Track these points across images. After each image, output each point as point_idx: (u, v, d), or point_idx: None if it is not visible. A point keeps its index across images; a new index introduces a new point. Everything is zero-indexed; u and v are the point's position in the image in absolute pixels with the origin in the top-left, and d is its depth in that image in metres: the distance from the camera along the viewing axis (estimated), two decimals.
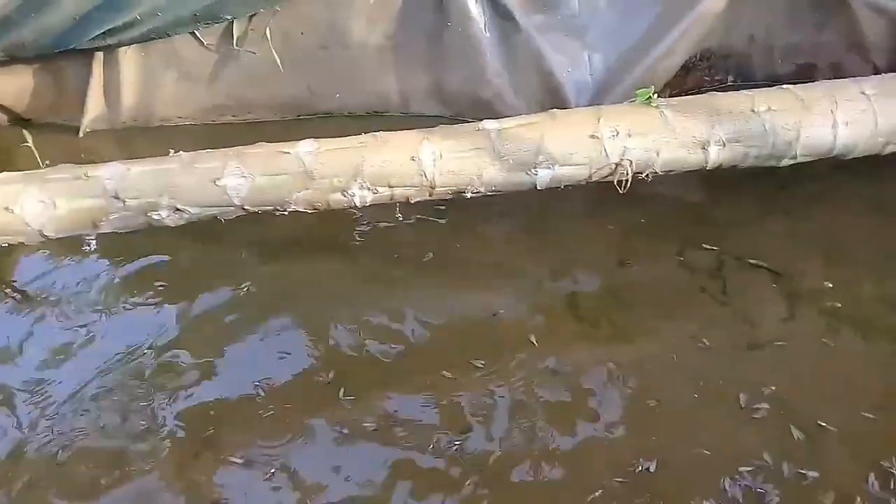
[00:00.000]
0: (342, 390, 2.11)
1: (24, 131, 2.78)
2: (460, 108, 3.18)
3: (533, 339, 2.26)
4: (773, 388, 2.10)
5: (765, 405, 2.06)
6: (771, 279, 2.37)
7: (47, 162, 2.62)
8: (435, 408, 2.08)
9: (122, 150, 3.13)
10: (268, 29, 3.04)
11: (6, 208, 2.09)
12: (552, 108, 3.03)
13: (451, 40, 3.05)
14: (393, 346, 2.27)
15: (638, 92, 2.51)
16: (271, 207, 2.30)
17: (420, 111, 3.23)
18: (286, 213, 2.32)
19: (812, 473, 1.93)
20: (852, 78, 2.56)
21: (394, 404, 2.08)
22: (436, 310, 2.40)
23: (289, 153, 2.28)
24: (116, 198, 2.15)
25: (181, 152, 2.26)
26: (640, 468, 1.94)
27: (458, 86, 3.13)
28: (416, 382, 2.14)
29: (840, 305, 2.30)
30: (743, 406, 2.07)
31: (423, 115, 3.21)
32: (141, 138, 3.18)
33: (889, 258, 2.44)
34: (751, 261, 2.41)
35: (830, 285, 2.35)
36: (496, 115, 3.04)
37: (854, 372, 2.15)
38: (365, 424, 2.04)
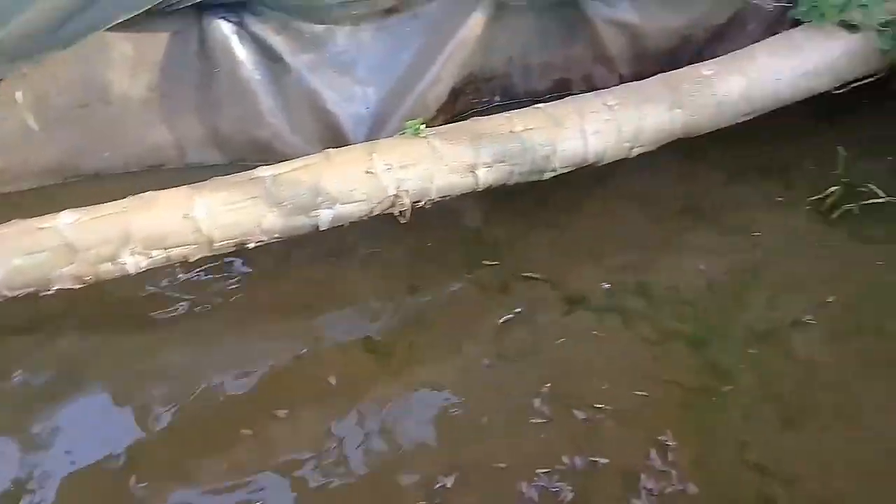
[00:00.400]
0: (134, 477, 2.00)
1: None
2: (239, 153, 3.14)
3: (332, 379, 2.27)
4: (549, 384, 2.26)
5: (550, 404, 2.21)
6: (548, 287, 2.55)
7: None
8: (233, 472, 2.02)
9: None
10: (18, 93, 2.83)
11: None
12: (331, 144, 3.09)
13: (220, 85, 2.99)
14: (189, 413, 2.19)
15: (406, 124, 2.59)
16: (33, 289, 2.14)
17: (199, 160, 3.15)
18: (51, 291, 2.17)
19: (602, 460, 2.09)
20: (595, 91, 2.79)
21: (190, 480, 2.00)
22: (235, 364, 2.35)
23: (47, 227, 2.14)
24: None
25: None
26: (440, 485, 2.01)
27: (234, 130, 3.09)
28: (213, 448, 2.08)
29: (606, 300, 2.51)
30: (533, 409, 2.20)
31: (203, 165, 3.13)
32: None
33: (645, 252, 2.70)
34: (525, 274, 2.57)
35: (602, 285, 2.56)
36: (276, 156, 3.06)
37: (622, 356, 2.36)
38: None
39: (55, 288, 2.17)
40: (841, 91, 3.00)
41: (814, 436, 2.13)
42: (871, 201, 2.79)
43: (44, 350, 2.34)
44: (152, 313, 2.48)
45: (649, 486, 2.04)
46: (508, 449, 2.10)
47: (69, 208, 2.22)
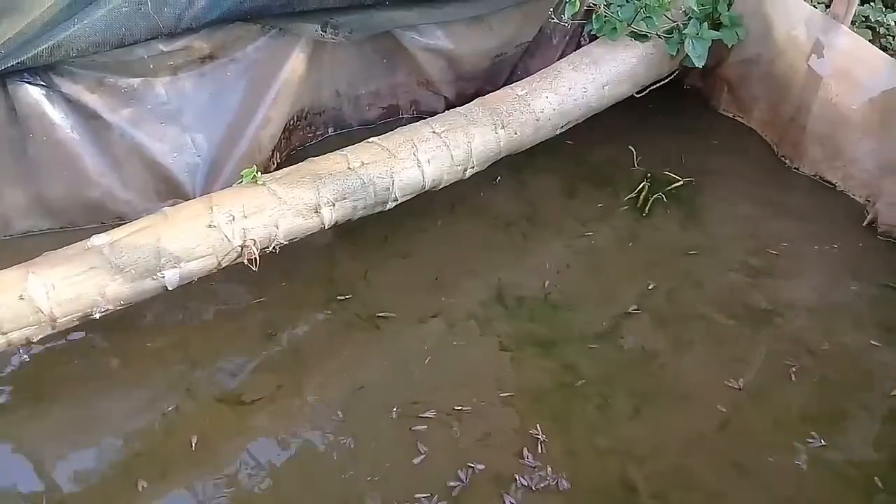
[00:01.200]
0: None
1: None
2: (70, 217, 3.02)
3: (194, 440, 2.28)
4: (418, 404, 2.38)
5: (421, 424, 2.33)
6: (404, 313, 2.67)
7: None
8: None
9: None
10: None
11: None
12: (168, 196, 3.06)
13: (38, 150, 2.86)
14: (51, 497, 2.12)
15: (243, 173, 2.60)
16: None
17: (27, 229, 3.00)
18: None
19: (479, 466, 2.23)
20: (423, 120, 2.92)
21: None
22: (91, 436, 2.30)
23: None
24: None
25: None
26: None
27: (62, 194, 2.96)
28: None
29: (461, 314, 2.67)
30: (404, 433, 2.30)
31: (32, 233, 2.99)
32: None
33: (490, 263, 2.87)
34: (379, 314, 2.67)
35: (454, 301, 2.72)
36: (111, 215, 2.99)
37: (483, 364, 2.53)
38: None
39: None
40: (642, 94, 3.32)
41: (654, 417, 2.37)
42: (670, 187, 3.13)
43: None
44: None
45: (525, 482, 2.19)
46: (386, 482, 2.18)
47: None
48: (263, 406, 2.39)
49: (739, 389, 2.44)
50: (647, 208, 3.08)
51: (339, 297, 2.72)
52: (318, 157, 2.73)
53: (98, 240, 2.35)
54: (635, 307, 2.70)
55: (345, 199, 2.64)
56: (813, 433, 2.32)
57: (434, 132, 2.83)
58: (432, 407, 2.37)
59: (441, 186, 2.88)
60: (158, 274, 2.38)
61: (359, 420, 2.35)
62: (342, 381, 2.47)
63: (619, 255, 2.93)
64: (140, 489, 2.15)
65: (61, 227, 3.03)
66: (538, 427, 2.32)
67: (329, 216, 2.63)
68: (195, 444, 2.26)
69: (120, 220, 3.03)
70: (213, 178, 3.10)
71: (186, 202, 2.60)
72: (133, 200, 3.04)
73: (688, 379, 2.48)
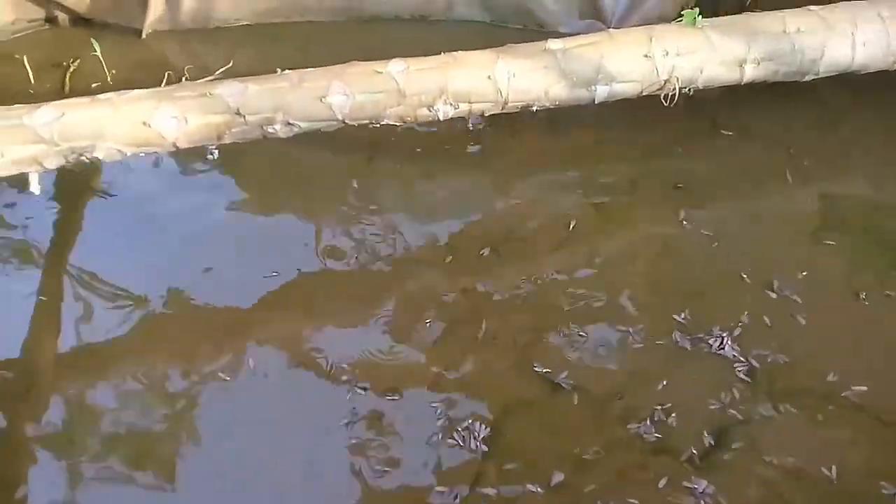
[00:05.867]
0: None
1: (92, 40, 3.11)
2: (501, 15, 3.43)
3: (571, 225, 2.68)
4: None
5: None
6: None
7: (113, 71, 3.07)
8: None
9: (183, 52, 3.31)
10: None
11: (144, 123, 2.33)
12: (588, 16, 3.35)
13: None
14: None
15: (685, 13, 2.79)
16: (367, 121, 2.58)
17: (463, 16, 3.46)
18: (379, 125, 2.60)
19: None
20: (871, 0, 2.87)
21: None
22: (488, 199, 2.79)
23: (383, 73, 2.53)
24: (238, 114, 2.40)
25: (288, 71, 2.49)
26: None
27: None
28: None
29: None
30: None
31: (463, 20, 3.45)
32: (199, 39, 3.36)
33: None
34: None
35: None
36: (534, 21, 3.35)
37: None
38: None
39: (383, 122, 2.59)
40: None
41: None
42: None
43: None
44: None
45: None
46: None
47: (396, 57, 2.58)
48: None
49: None
50: None
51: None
52: (756, 12, 2.83)
53: (554, 44, 2.68)
54: None
55: (770, 60, 2.75)
56: None
57: (880, 16, 2.78)
58: None
59: (864, 72, 2.87)
60: (592, 87, 2.70)
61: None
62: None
63: None
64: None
65: (491, 22, 3.45)
66: None
67: (750, 73, 2.77)
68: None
69: (540, 27, 3.40)
70: (634, 9, 3.31)
71: (628, 29, 2.84)
72: (558, 13, 3.37)
73: None
